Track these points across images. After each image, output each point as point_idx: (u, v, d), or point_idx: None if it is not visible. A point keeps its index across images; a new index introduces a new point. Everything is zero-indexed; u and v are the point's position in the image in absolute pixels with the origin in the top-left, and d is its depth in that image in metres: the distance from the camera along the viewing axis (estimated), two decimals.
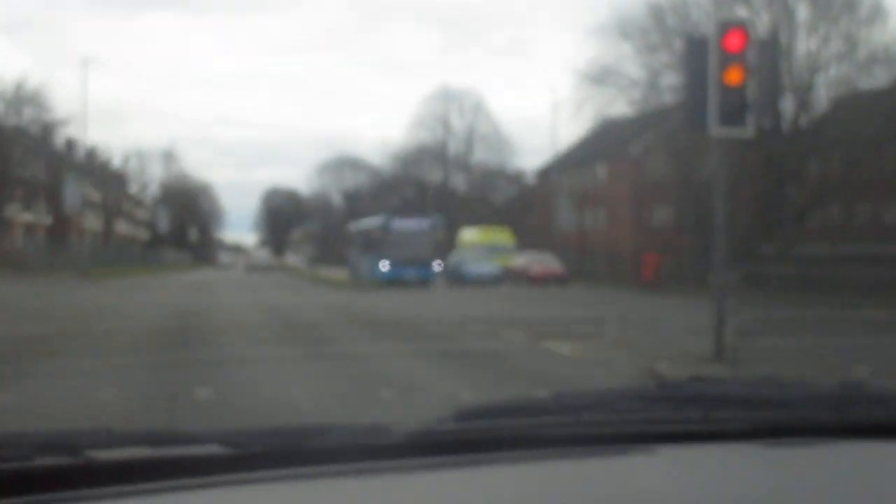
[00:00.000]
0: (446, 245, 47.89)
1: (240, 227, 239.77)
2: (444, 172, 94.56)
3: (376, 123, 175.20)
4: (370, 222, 47.11)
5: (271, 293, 33.13)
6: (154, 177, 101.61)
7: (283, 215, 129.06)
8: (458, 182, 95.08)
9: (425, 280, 41.93)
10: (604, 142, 61.59)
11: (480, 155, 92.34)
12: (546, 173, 73.89)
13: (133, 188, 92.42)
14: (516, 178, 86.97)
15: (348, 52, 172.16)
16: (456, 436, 1.83)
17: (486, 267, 45.63)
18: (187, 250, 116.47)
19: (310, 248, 79.42)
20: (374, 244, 43.02)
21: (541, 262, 47.06)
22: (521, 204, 76.39)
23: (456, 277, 44.54)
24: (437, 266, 43.31)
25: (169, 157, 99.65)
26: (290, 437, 1.72)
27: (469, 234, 57.66)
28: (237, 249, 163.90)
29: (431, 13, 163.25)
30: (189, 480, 1.48)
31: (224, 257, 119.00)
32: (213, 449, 1.60)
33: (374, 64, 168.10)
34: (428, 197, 78.14)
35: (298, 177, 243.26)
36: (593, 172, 64.44)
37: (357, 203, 38.08)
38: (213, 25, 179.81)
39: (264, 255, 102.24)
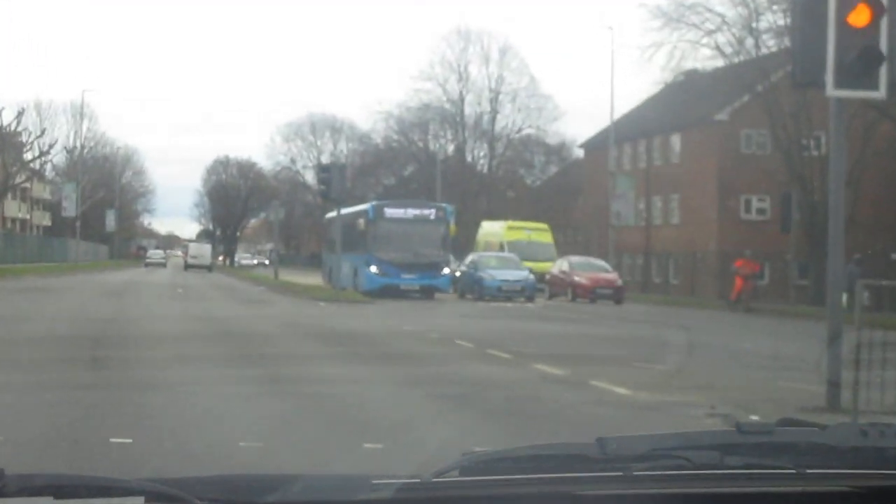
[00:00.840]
0: (460, 243, 47.96)
1: (176, 213, 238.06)
2: (460, 139, 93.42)
3: (361, 84, 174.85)
4: (355, 211, 47.09)
5: (218, 305, 33.33)
6: (59, 139, 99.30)
7: (235, 196, 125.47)
8: (478, 155, 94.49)
9: (431, 289, 42.06)
10: (680, 104, 61.23)
11: (508, 118, 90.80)
12: (598, 145, 73.45)
13: (28, 155, 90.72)
14: (558, 150, 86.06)
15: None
16: (458, 490, 1.83)
17: (514, 274, 44.27)
18: (103, 241, 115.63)
19: (273, 243, 78.24)
20: (360, 240, 42.96)
21: (590, 268, 46.50)
22: (564, 187, 76.02)
23: (471, 287, 44.25)
24: (446, 270, 43.23)
25: (79, 112, 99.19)
26: (241, 491, 1.73)
27: (491, 230, 57.27)
28: (171, 242, 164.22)
29: None
30: None
31: (154, 253, 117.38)
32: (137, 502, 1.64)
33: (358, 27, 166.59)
34: (435, 174, 77.48)
35: (256, 146, 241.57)
36: (665, 145, 64.34)
37: (338, 181, 36.14)
38: None
39: (205, 252, 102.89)
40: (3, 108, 77.01)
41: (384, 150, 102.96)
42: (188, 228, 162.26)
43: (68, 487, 1.66)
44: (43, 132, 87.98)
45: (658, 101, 64.73)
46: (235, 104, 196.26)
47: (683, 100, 60.26)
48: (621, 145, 69.01)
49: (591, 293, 43.55)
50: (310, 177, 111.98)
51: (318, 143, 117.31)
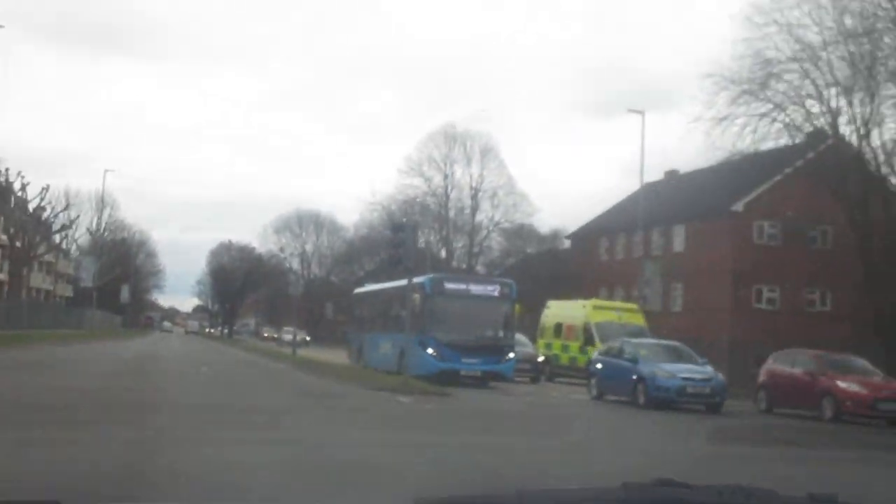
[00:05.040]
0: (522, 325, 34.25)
1: (179, 292, 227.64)
2: (445, 232, 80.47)
3: (344, 189, 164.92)
4: (402, 285, 33.54)
5: (276, 406, 19.67)
6: (83, 224, 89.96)
7: (234, 276, 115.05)
8: (457, 247, 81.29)
9: (496, 375, 28.62)
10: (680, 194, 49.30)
11: (487, 213, 78.77)
12: (586, 235, 61.45)
13: (56, 238, 78.49)
14: (551, 239, 73.17)
15: (313, 113, 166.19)
16: None
17: (697, 371, 24.75)
18: (117, 312, 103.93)
19: (294, 322, 65.64)
20: (412, 318, 29.74)
21: (853, 370, 25.37)
22: (553, 273, 62.45)
23: (624, 386, 25.40)
24: (511, 355, 29.30)
25: (103, 203, 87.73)
26: None
27: (567, 310, 39.74)
28: (172, 314, 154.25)
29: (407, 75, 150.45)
30: None
31: (166, 325, 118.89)
32: None
33: (342, 127, 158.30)
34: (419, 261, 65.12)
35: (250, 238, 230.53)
36: (667, 234, 51.41)
37: (411, 245, 24.02)
38: (164, 74, 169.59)
39: (196, 326, 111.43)
40: (28, 183, 64.28)
41: (364, 239, 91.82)
42: (188, 303, 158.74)
43: None
44: (67, 206, 74.57)
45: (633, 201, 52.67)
46: (237, 200, 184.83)
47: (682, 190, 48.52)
48: (615, 234, 56.96)
49: (870, 408, 23.47)
50: (295, 263, 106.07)
51: (303, 234, 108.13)
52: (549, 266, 64.18)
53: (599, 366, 27.54)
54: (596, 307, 38.20)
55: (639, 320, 37.10)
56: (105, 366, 29.50)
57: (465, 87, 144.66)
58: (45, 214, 68.36)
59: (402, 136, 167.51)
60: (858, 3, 32.18)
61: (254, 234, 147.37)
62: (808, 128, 36.38)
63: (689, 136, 56.60)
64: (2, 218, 64.55)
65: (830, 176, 36.90)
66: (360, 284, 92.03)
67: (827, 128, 35.30)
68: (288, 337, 62.50)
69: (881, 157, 34.45)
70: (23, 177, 63.59)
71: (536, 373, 33.61)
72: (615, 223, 58.35)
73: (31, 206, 65.69)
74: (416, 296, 28.22)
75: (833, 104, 34.68)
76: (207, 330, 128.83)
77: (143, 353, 40.94)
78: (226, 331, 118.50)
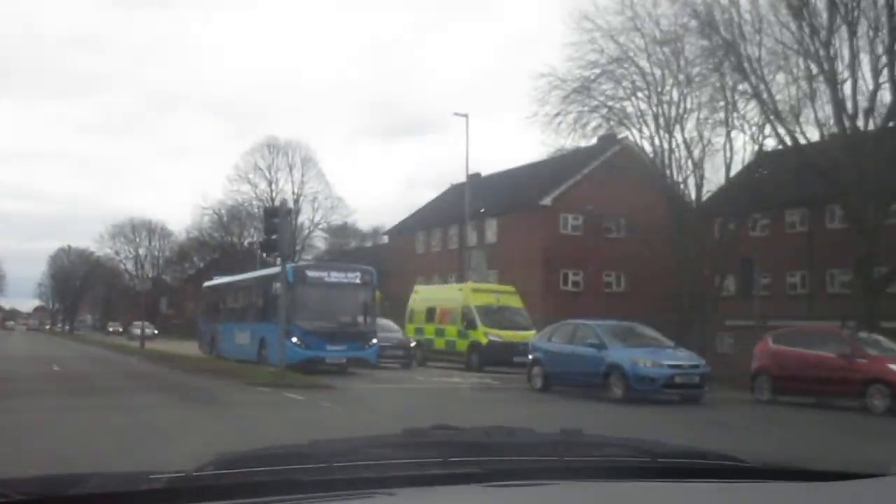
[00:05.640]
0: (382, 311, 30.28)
1: (21, 295, 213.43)
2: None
3: (173, 200, 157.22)
4: (263, 275, 29.57)
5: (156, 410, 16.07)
6: None
7: (74, 277, 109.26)
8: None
9: (360, 361, 24.84)
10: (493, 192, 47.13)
11: (309, 214, 74.39)
12: (402, 231, 58.67)
13: None
14: (373, 236, 69.92)
15: (142, 137, 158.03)
16: (213, 481, 1.67)
17: (680, 357, 18.96)
18: None
19: (141, 315, 60.22)
20: (268, 307, 25.90)
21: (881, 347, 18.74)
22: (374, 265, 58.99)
23: (589, 376, 18.96)
24: (374, 341, 25.48)
25: None
26: (52, 486, 1.59)
27: (441, 294, 34.59)
28: (14, 314, 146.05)
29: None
30: None
31: (10, 323, 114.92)
32: None
33: (166, 148, 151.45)
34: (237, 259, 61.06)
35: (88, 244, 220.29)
36: (480, 228, 49.05)
37: (285, 231, 20.51)
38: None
39: (36, 323, 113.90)
40: None
41: (194, 240, 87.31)
42: (29, 304, 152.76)
43: None
44: None
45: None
46: (73, 222, 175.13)
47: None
48: (431, 229, 54.48)
49: None
50: (130, 265, 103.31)
51: (136, 239, 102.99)
52: (369, 260, 61.00)
53: (543, 352, 20.58)
54: (474, 290, 31.73)
55: (517, 302, 31.72)
56: None
57: (273, 113, 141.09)
58: None
59: (221, 152, 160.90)
60: (671, 12, 30.58)
61: (92, 240, 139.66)
62: (622, 127, 34.60)
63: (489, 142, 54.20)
64: None
65: (626, 173, 35.76)
66: (192, 282, 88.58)
67: (636, 126, 33.60)
68: (137, 331, 56.90)
69: (683, 153, 33.09)
70: None
71: (409, 358, 29.31)
72: (429, 219, 56.07)
73: None
74: (278, 284, 24.63)
75: (643, 105, 33.09)
76: (47, 327, 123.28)
77: None
78: (66, 327, 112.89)
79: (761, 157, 32.30)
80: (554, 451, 2.06)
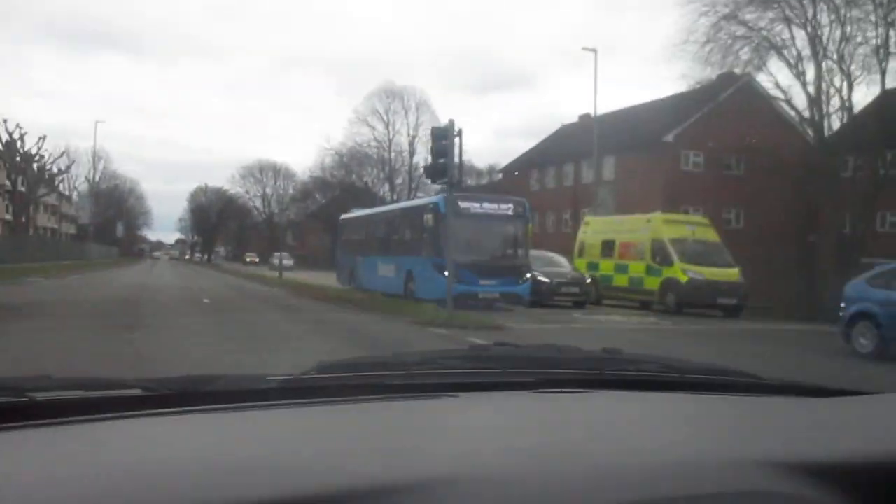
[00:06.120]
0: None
1: (164, 229, 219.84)
2: (387, 172, 73.19)
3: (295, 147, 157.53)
4: (412, 206, 25.48)
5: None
6: (81, 176, 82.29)
7: (210, 212, 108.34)
8: (398, 185, 73.30)
9: (514, 298, 20.77)
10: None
11: (423, 155, 68.73)
12: (517, 168, 54.31)
13: (56, 182, 68.61)
14: (489, 173, 65.75)
15: (269, 92, 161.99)
16: (315, 383, 1.78)
17: None
18: (114, 244, 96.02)
19: (281, 247, 58.45)
20: (419, 240, 22.04)
21: None
22: None
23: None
24: (528, 276, 21.12)
25: (97, 156, 79.70)
26: (191, 384, 1.63)
27: (625, 225, 27.04)
28: (159, 246, 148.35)
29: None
30: (113, 415, 1.45)
31: (157, 254, 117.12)
32: (133, 392, 1.54)
33: (289, 102, 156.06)
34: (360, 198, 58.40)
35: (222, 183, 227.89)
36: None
37: (452, 156, 16.86)
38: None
39: (177, 254, 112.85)
40: (26, 133, 54.63)
41: (317, 180, 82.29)
42: (171, 236, 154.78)
43: (88, 382, 1.58)
44: (63, 153, 64.24)
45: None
46: (211, 151, 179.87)
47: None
48: (545, 167, 50.12)
49: None
50: (258, 202, 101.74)
51: (264, 179, 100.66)
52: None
53: (879, 304, 12.36)
54: (665, 221, 24.95)
55: (714, 236, 24.96)
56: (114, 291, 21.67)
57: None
58: (43, 161, 58.13)
59: (336, 105, 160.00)
60: None
61: (226, 180, 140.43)
62: (771, 55, 29.49)
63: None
64: (6, 164, 54.55)
65: (748, 110, 31.30)
66: (315, 217, 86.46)
67: (784, 56, 28.50)
68: (276, 261, 54.63)
69: (827, 84, 27.99)
70: (20, 128, 54.17)
71: (585, 296, 23.75)
72: (540, 159, 51.53)
73: (29, 153, 55.79)
74: (427, 216, 20.78)
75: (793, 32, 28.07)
76: (187, 257, 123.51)
77: (142, 283, 32.44)
78: (205, 258, 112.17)
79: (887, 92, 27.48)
80: (596, 366, 2.08)
